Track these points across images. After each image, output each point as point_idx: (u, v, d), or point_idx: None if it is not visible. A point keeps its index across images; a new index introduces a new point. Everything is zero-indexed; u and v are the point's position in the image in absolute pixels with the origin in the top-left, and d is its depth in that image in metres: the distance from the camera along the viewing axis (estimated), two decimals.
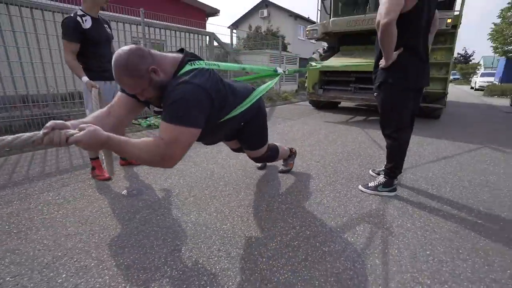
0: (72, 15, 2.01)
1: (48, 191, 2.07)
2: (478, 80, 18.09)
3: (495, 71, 20.84)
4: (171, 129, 1.13)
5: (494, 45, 16.27)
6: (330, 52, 6.16)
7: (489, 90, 13.84)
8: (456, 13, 4.69)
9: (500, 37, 15.39)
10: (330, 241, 1.48)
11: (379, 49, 1.80)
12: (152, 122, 4.42)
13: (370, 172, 2.47)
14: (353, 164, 2.72)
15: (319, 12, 6.48)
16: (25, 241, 1.44)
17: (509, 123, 5.46)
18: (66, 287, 1.13)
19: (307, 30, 6.26)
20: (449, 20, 4.47)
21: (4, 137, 0.94)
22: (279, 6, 20.72)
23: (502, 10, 15.16)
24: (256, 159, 2.05)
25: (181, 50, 1.34)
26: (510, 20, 14.79)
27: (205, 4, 12.10)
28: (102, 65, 2.16)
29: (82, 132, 0.98)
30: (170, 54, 1.27)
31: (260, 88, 1.74)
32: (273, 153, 2.11)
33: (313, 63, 5.22)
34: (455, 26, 4.65)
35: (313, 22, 20.34)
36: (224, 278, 1.19)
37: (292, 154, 2.48)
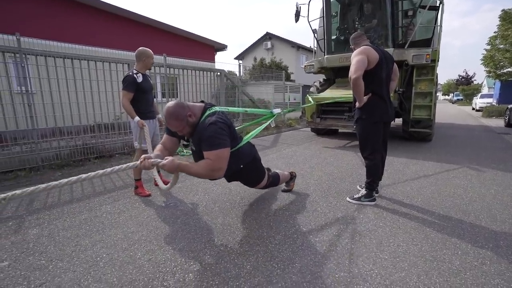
0: (130, 73, 2.77)
1: (106, 204, 2.70)
2: (478, 101, 18.71)
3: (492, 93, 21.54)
4: (213, 152, 1.78)
5: (487, 69, 17.14)
6: (327, 84, 6.92)
7: (487, 112, 14.38)
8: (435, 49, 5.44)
9: (491, 62, 16.34)
10: (321, 234, 2.04)
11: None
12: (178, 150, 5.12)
13: (358, 187, 3.04)
14: (344, 182, 3.30)
15: (314, 49, 7.34)
16: (105, 235, 2.05)
17: (495, 144, 5.97)
18: (143, 260, 1.72)
19: (305, 65, 7.08)
20: (427, 56, 5.23)
21: (117, 167, 1.58)
22: (282, 38, 22.24)
23: (490, 38, 16.24)
24: (261, 188, 2.62)
25: (201, 101, 2.05)
26: (497, 46, 15.77)
27: (214, 41, 13.33)
28: (148, 108, 2.89)
29: (166, 161, 1.69)
30: (197, 104, 1.98)
31: (254, 131, 2.42)
32: (274, 180, 2.65)
33: (310, 97, 5.97)
34: (434, 60, 5.39)
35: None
36: (246, 256, 1.76)
37: (293, 176, 3.03)
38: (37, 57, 4.08)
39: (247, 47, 24.41)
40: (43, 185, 1.37)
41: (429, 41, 5.66)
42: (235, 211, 2.46)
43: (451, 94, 49.19)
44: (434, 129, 6.10)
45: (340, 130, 7.97)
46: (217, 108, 1.97)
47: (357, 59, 2.30)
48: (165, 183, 3.27)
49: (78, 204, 2.71)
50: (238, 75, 8.86)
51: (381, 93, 2.45)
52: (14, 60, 4.04)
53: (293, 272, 1.60)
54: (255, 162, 2.37)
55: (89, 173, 1.48)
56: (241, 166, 2.21)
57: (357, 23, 6.25)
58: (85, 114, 4.62)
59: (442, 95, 62.14)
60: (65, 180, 1.41)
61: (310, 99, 5.21)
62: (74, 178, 1.45)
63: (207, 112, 1.91)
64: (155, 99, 3.21)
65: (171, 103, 1.83)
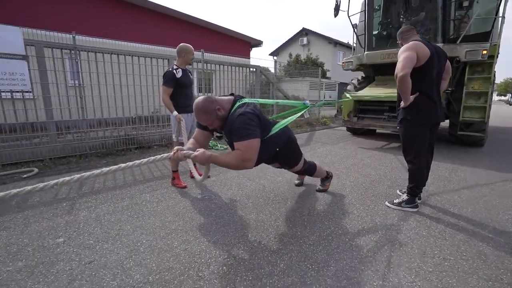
0: (170, 69, 2.87)
1: (145, 193, 2.84)
2: None
3: None
4: (243, 143, 1.78)
5: None
6: (365, 82, 6.59)
7: None
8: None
9: None
10: (357, 238, 1.96)
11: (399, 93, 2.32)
12: (212, 144, 5.25)
13: (397, 191, 2.86)
14: (383, 185, 3.13)
15: (354, 45, 7.02)
16: (144, 223, 2.16)
17: None
18: (179, 249, 1.78)
19: (343, 62, 6.82)
20: (484, 52, 4.72)
21: (152, 157, 1.65)
22: (319, 33, 21.68)
23: None
24: (296, 172, 2.65)
25: (231, 94, 2.05)
26: None
27: (249, 37, 13.40)
28: (186, 102, 2.97)
29: (197, 152, 1.73)
30: (226, 97, 1.98)
31: (285, 120, 2.34)
32: (310, 168, 2.65)
33: (347, 95, 5.73)
34: (492, 56, 4.86)
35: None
36: (280, 254, 1.75)
37: (329, 176, 2.94)
38: (88, 53, 4.41)
39: (282, 43, 24.20)
40: (88, 173, 1.48)
41: (487, 35, 5.12)
42: (269, 208, 2.45)
43: (508, 95, 44.22)
44: (487, 133, 5.54)
45: (377, 131, 7.60)
46: (246, 100, 1.97)
47: (405, 55, 2.14)
48: (201, 175, 3.37)
49: (120, 191, 2.90)
50: (273, 71, 8.82)
51: (430, 93, 2.26)
52: (69, 56, 4.41)
53: (327, 275, 1.55)
54: (290, 143, 2.37)
55: (127, 163, 1.56)
56: (277, 149, 2.23)
57: (402, 16, 5.86)
58: (128, 106, 4.91)
59: (497, 95, 56.15)
60: (106, 169, 1.52)
61: (348, 96, 5.01)
62: (115, 167, 1.56)
63: (237, 104, 1.91)
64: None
65: (200, 98, 1.87)
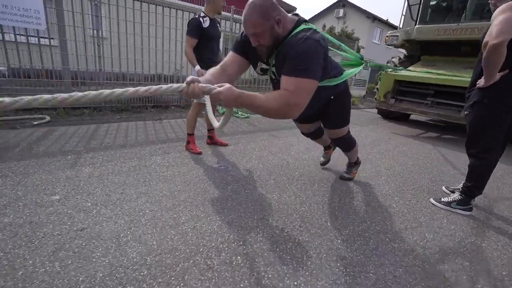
0: (196, 16, 2.45)
1: (156, 155, 2.58)
2: None
3: None
4: (295, 80, 1.28)
5: None
6: (408, 62, 5.84)
7: None
8: None
9: None
10: (400, 240, 1.60)
11: (480, 68, 1.81)
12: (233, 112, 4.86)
13: (443, 188, 2.44)
14: (424, 178, 2.70)
15: (403, 17, 6.17)
16: (150, 189, 1.89)
17: None
18: (186, 226, 1.50)
19: (387, 36, 6.04)
20: None
21: (158, 86, 1.18)
22: (357, 6, 19.90)
23: None
24: (335, 140, 2.15)
25: (295, 14, 1.47)
26: None
27: (283, 1, 12.39)
28: (211, 57, 2.58)
29: (222, 87, 1.21)
30: (289, 15, 1.44)
31: (349, 71, 1.90)
32: (351, 140, 2.18)
33: (389, 71, 5.09)
34: None
35: (392, 26, 19.07)
36: (306, 248, 1.43)
37: (358, 162, 2.47)
38: None
39: (315, 13, 22.56)
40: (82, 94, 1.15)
41: None
42: (293, 189, 2.12)
43: None
44: None
45: (411, 117, 6.93)
46: (314, 27, 1.43)
47: (504, 17, 1.60)
48: (222, 144, 3.05)
49: (130, 150, 2.64)
50: None
51: None
52: None
53: (365, 285, 1.23)
54: (346, 95, 1.94)
55: (126, 88, 1.18)
56: (331, 97, 1.82)
57: None
58: (148, 61, 4.56)
59: None
60: (107, 91, 1.18)
61: (389, 72, 4.40)
62: (109, 91, 1.29)
63: (302, 27, 1.39)
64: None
65: None
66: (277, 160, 2.73)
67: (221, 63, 1.59)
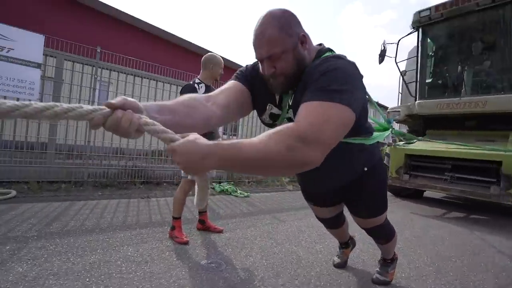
0: (191, 82, 2.24)
1: (128, 245, 1.98)
2: None
3: None
4: (318, 105, 0.79)
5: None
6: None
7: None
8: None
9: None
10: None
11: None
12: (226, 187, 4.37)
13: None
14: (487, 278, 2.01)
15: (400, 94, 6.32)
16: None
17: None
18: None
19: (388, 112, 6.07)
20: None
21: (58, 103, 0.60)
22: None
23: None
24: (370, 230, 1.56)
25: (318, 44, 1.11)
26: None
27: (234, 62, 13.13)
28: None
29: (184, 139, 0.70)
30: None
31: (378, 133, 1.42)
32: (391, 229, 1.62)
33: (400, 143, 4.84)
34: None
35: (383, 106, 20.24)
36: None
37: (395, 258, 1.84)
38: (110, 71, 4.05)
39: None
40: None
41: None
42: None
43: None
44: None
45: (425, 194, 6.37)
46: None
47: None
48: (216, 230, 2.45)
49: (97, 236, 2.06)
50: None
51: None
52: (90, 72, 4.05)
53: None
54: (381, 169, 1.43)
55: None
56: (365, 168, 1.30)
57: (460, 64, 5.17)
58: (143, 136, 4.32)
59: None
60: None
61: (401, 145, 4.10)
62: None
63: (327, 54, 1.00)
64: None
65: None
66: (285, 253, 2.09)
67: (214, 92, 1.03)
